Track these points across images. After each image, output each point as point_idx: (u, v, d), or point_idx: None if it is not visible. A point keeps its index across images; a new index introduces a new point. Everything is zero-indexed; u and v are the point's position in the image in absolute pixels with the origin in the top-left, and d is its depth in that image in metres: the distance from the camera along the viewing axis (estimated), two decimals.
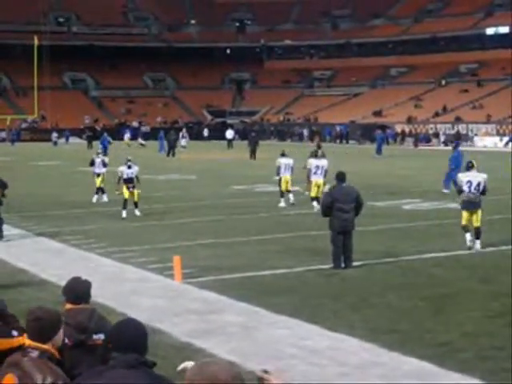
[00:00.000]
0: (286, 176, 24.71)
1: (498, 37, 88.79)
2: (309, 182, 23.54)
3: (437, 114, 79.89)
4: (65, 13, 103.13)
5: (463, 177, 16.92)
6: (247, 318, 11.05)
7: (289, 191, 24.77)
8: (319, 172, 23.29)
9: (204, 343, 9.77)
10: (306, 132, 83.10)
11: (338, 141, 77.96)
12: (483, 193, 16.64)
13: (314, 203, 22.93)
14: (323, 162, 23.58)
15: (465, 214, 16.68)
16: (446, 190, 27.30)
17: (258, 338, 10.06)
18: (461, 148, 32.20)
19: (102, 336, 5.38)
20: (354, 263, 14.57)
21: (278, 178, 24.95)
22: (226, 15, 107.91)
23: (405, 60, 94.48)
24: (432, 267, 14.61)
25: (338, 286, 13.11)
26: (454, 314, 11.04)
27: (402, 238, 18.01)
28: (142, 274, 14.19)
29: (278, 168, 24.90)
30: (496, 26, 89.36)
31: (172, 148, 54.59)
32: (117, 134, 73.00)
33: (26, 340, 4.59)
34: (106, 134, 57.00)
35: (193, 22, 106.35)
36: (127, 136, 73.67)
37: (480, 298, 12.02)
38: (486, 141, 70.08)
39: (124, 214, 21.80)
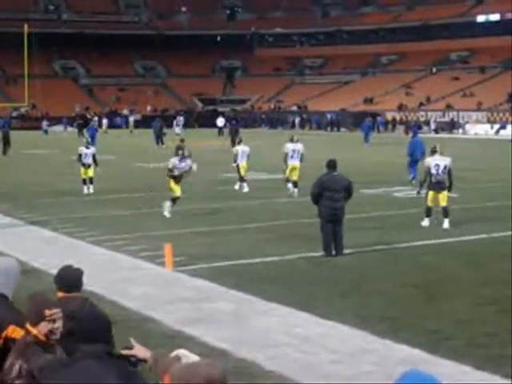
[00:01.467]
0: (243, 163, 25.75)
1: (488, 24, 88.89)
2: (286, 165, 24.50)
3: (425, 102, 79.94)
4: (55, 0, 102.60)
5: (431, 160, 17.77)
6: (239, 305, 11.05)
7: (244, 179, 25.53)
8: (295, 156, 24.40)
9: (196, 331, 9.76)
10: (297, 120, 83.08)
11: (328, 129, 78.06)
12: (450, 176, 17.48)
13: (289, 185, 24.17)
14: (299, 146, 24.61)
15: (431, 194, 17.58)
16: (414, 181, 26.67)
17: (249, 326, 10.06)
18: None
19: None
20: (345, 251, 14.59)
21: (235, 164, 25.87)
22: (217, 2, 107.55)
23: (395, 48, 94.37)
24: (423, 254, 14.63)
25: (330, 273, 13.13)
26: (446, 302, 11.06)
27: (392, 226, 18.03)
28: (133, 262, 14.17)
29: (236, 156, 25.96)
30: (487, 13, 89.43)
31: (159, 136, 53.48)
32: (109, 122, 73.28)
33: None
34: (94, 120, 56.46)
35: (183, 9, 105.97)
36: (105, 122, 73.70)
37: (471, 285, 12.05)
38: (477, 128, 70.19)
39: (168, 213, 19.97)
